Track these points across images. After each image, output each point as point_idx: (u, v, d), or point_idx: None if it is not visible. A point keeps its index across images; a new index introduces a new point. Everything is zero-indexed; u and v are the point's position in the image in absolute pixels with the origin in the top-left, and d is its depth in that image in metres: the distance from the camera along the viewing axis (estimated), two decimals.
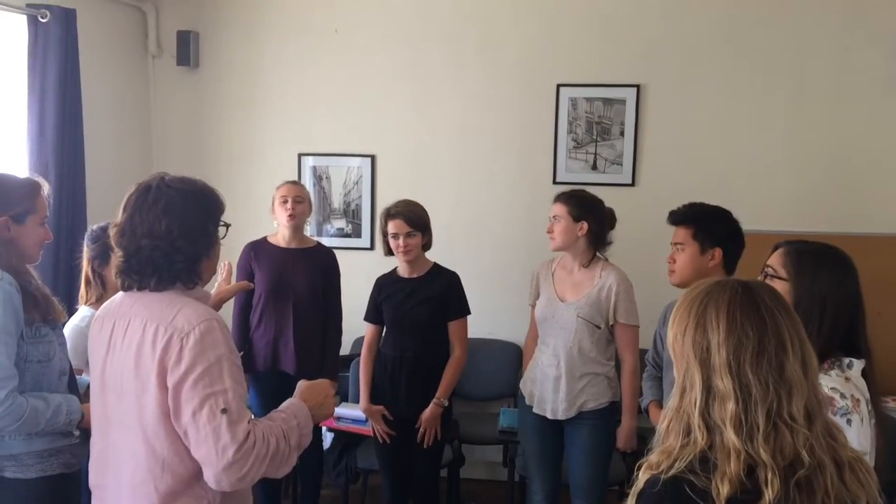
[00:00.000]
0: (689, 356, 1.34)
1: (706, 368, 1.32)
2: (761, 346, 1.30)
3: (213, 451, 1.68)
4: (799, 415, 1.29)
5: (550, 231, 3.19)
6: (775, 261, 1.96)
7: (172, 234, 1.78)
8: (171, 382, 1.71)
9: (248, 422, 1.73)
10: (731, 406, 1.28)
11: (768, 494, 1.24)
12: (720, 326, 1.32)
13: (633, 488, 1.37)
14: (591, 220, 3.16)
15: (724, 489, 1.24)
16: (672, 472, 1.28)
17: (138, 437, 1.77)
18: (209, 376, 1.70)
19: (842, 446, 1.35)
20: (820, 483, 1.27)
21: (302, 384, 2.00)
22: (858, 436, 1.68)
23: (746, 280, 1.42)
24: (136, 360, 1.76)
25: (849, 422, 1.68)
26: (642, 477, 1.35)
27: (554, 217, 3.18)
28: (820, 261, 1.91)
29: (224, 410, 1.69)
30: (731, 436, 1.27)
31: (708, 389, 1.31)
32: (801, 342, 1.33)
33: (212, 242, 1.87)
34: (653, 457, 1.35)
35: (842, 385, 1.77)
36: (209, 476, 1.71)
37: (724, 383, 1.30)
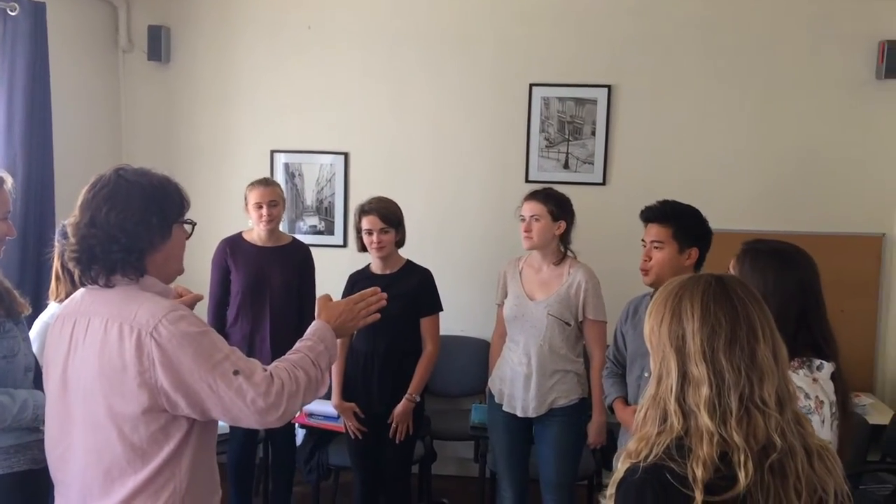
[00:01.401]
0: (666, 345, 1.39)
1: (681, 356, 1.37)
2: (734, 333, 1.36)
3: (245, 408, 1.72)
4: (770, 400, 1.34)
5: (528, 230, 3.20)
6: (731, 262, 2.04)
7: (110, 223, 1.73)
8: (167, 377, 1.68)
9: (264, 369, 1.77)
10: (705, 391, 1.33)
11: (742, 477, 1.28)
12: (695, 316, 1.38)
13: (613, 477, 1.40)
14: (567, 219, 3.20)
15: (699, 472, 1.28)
16: (651, 459, 1.32)
17: (111, 433, 1.74)
18: (204, 351, 1.71)
19: (809, 434, 1.40)
20: (791, 468, 1.32)
21: (321, 302, 2.06)
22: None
23: (719, 273, 1.48)
24: (100, 360, 1.73)
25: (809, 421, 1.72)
26: (622, 466, 1.38)
27: (532, 216, 3.19)
28: (760, 259, 1.96)
29: (236, 372, 1.72)
30: (704, 419, 1.32)
31: (683, 376, 1.36)
32: (771, 331, 1.39)
33: (157, 236, 1.79)
34: (631, 444, 1.39)
35: (808, 385, 1.82)
36: (250, 424, 1.77)
37: (698, 369, 1.35)
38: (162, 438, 1.75)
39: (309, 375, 1.82)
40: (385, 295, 2.11)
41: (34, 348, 2.40)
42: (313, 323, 1.99)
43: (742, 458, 1.29)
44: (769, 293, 1.88)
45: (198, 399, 1.71)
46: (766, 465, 1.30)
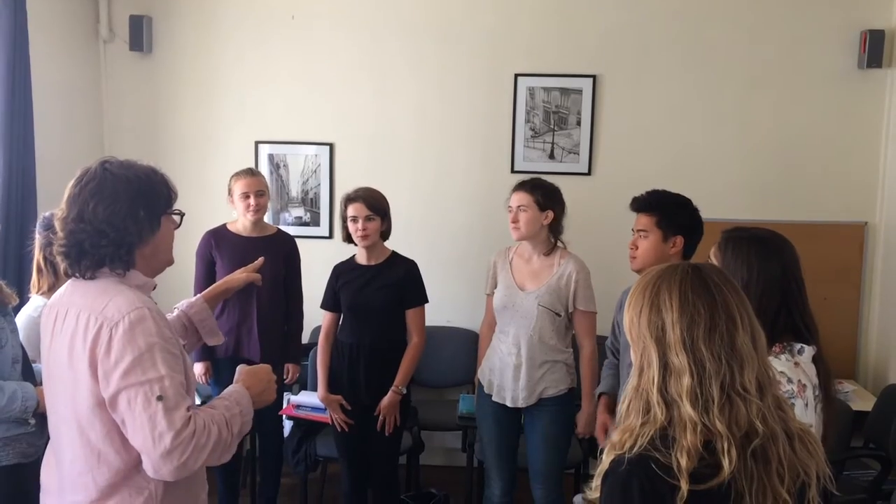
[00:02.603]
0: (646, 336, 1.39)
1: (662, 346, 1.37)
2: (713, 322, 1.36)
3: (150, 438, 1.65)
4: (751, 386, 1.35)
5: (516, 220, 3.20)
6: (712, 250, 2.05)
7: (98, 218, 1.73)
8: (102, 373, 1.68)
9: (188, 409, 1.70)
10: (686, 380, 1.34)
11: (726, 464, 1.29)
12: (673, 305, 1.38)
13: (598, 469, 1.40)
14: (556, 208, 3.21)
15: (683, 461, 1.28)
16: (636, 450, 1.33)
17: (73, 428, 1.75)
18: (141, 365, 1.67)
19: (791, 419, 1.41)
20: (774, 453, 1.33)
21: (242, 369, 1.98)
22: (801, 419, 1.74)
23: (696, 262, 1.48)
24: (70, 351, 1.73)
25: (792, 405, 1.74)
26: (607, 458, 1.38)
27: (519, 207, 3.19)
28: (741, 246, 1.98)
29: (160, 398, 1.66)
30: (687, 409, 1.32)
31: (664, 366, 1.36)
32: (749, 318, 1.40)
33: (146, 228, 1.80)
34: (615, 436, 1.39)
35: (790, 370, 1.83)
36: (147, 465, 1.68)
37: (679, 359, 1.35)
38: (119, 443, 1.72)
39: (221, 434, 1.74)
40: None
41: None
42: (232, 386, 1.91)
43: (725, 446, 1.30)
44: (753, 280, 1.90)
45: (116, 406, 1.68)
46: (748, 451, 1.31)
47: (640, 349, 1.41)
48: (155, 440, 1.64)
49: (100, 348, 1.68)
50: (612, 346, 3.07)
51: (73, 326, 1.74)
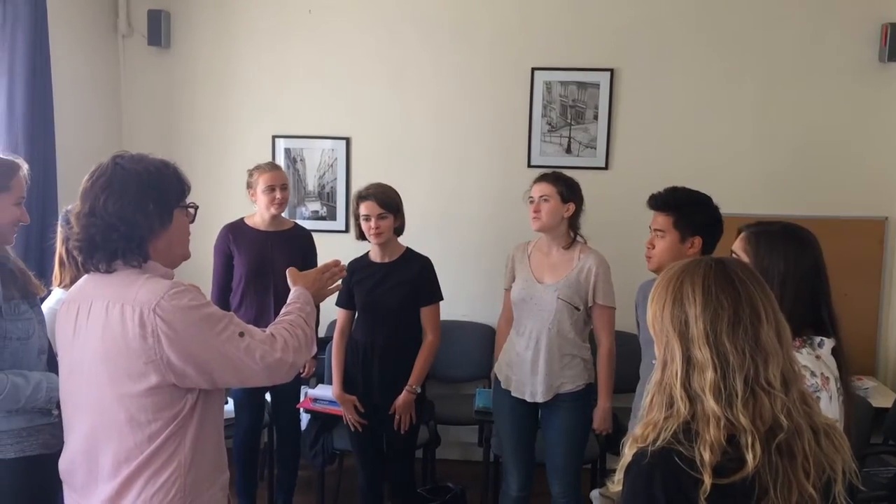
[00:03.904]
0: (669, 330, 1.39)
1: (685, 341, 1.37)
2: (737, 316, 1.35)
3: (254, 365, 1.79)
4: (776, 381, 1.34)
5: (537, 210, 3.18)
6: (737, 245, 2.03)
7: (108, 212, 1.75)
8: (175, 350, 1.72)
9: (263, 331, 1.86)
10: (709, 375, 1.33)
11: (750, 459, 1.28)
12: (696, 299, 1.37)
13: (620, 463, 1.40)
14: (577, 202, 3.20)
15: (706, 456, 1.28)
16: (659, 443, 1.32)
17: (119, 415, 1.76)
18: (207, 322, 1.75)
19: (816, 413, 1.40)
20: (799, 447, 1.33)
21: (293, 273, 2.17)
22: (827, 412, 1.73)
23: (719, 257, 1.48)
24: (104, 343, 1.75)
25: (817, 399, 1.73)
26: (629, 451, 1.38)
27: (542, 197, 3.18)
28: (776, 240, 1.96)
29: (241, 334, 1.79)
30: (710, 403, 1.32)
31: (688, 360, 1.36)
32: (774, 312, 1.39)
33: (156, 222, 1.81)
34: (637, 430, 1.39)
35: (812, 363, 1.83)
36: (263, 382, 1.85)
37: (702, 353, 1.34)
38: (167, 415, 1.77)
39: (306, 333, 1.95)
40: (345, 265, 2.33)
41: None
42: (294, 290, 2.10)
43: (749, 440, 1.29)
44: (790, 273, 1.89)
45: (207, 367, 1.76)
46: (773, 445, 1.31)
47: (664, 343, 1.40)
48: (259, 363, 1.80)
49: (152, 334, 1.71)
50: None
51: (104, 319, 1.76)
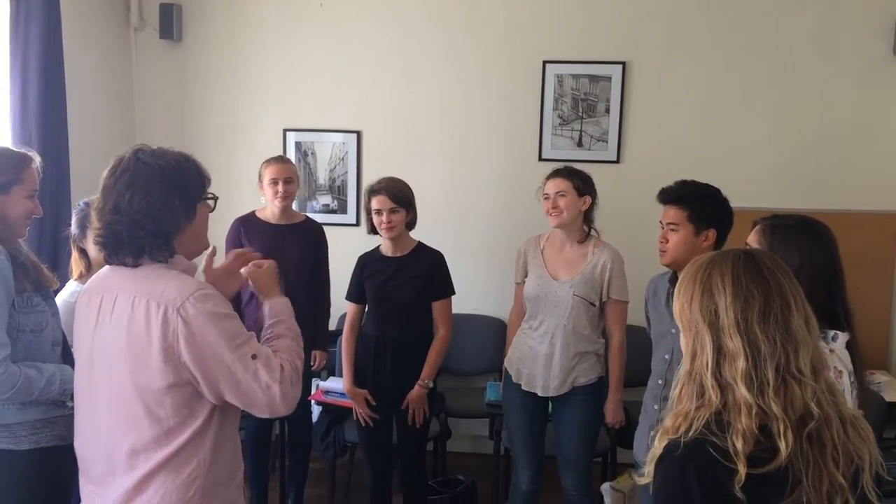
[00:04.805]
0: (698, 321, 1.40)
1: (715, 330, 1.37)
2: (767, 305, 1.36)
3: (260, 393, 1.76)
4: (806, 369, 1.35)
5: (556, 206, 3.16)
6: (752, 238, 2.03)
7: (134, 209, 1.74)
8: (189, 354, 1.71)
9: (273, 354, 1.83)
10: (741, 363, 1.34)
11: (783, 447, 1.29)
12: (726, 290, 1.38)
13: (650, 455, 1.40)
14: (592, 194, 3.20)
15: (739, 445, 1.29)
16: (692, 434, 1.33)
17: (138, 409, 1.76)
18: (227, 333, 1.74)
19: (842, 403, 1.41)
20: (828, 436, 1.33)
21: (254, 277, 2.05)
22: None
23: (746, 248, 1.49)
24: (128, 336, 1.75)
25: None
26: (660, 443, 1.38)
27: (558, 193, 3.16)
28: (791, 233, 1.96)
29: (254, 356, 1.76)
30: (742, 392, 1.32)
31: (718, 350, 1.37)
32: (802, 301, 1.40)
33: (182, 218, 1.81)
34: (667, 422, 1.39)
35: (826, 357, 1.82)
36: (260, 412, 1.80)
37: (733, 342, 1.35)
38: (187, 414, 1.77)
39: (300, 355, 1.91)
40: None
41: None
42: (269, 304, 2.00)
43: (781, 429, 1.30)
44: (805, 266, 1.88)
45: (214, 380, 1.74)
46: (804, 434, 1.31)
47: (693, 334, 1.41)
48: (265, 393, 1.77)
49: (173, 333, 1.71)
50: None
51: (130, 312, 1.75)
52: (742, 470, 1.27)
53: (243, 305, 3.72)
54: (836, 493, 1.32)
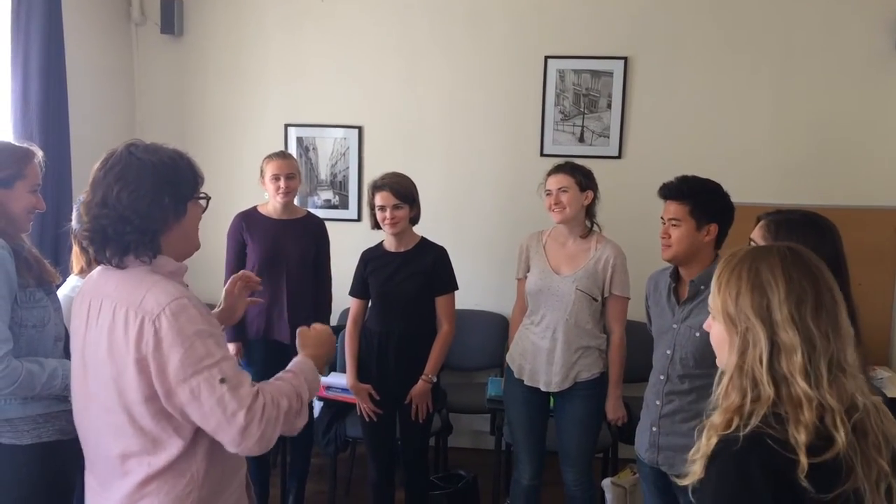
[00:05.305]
0: (749, 316, 1.41)
1: (769, 325, 1.39)
2: (818, 299, 1.39)
3: (224, 420, 1.66)
4: (853, 361, 1.39)
5: (559, 202, 3.16)
6: (756, 233, 2.03)
7: (122, 204, 1.69)
8: (156, 369, 1.65)
9: (252, 384, 1.72)
10: (797, 358, 1.36)
11: (840, 438, 1.32)
12: (779, 285, 1.40)
13: (700, 453, 1.40)
14: (594, 189, 3.20)
15: (801, 437, 1.31)
16: (750, 427, 1.34)
17: (122, 417, 1.73)
18: (195, 354, 1.65)
19: (868, 393, 1.43)
20: (869, 425, 1.37)
21: (302, 334, 2.03)
22: None
23: (787, 244, 1.51)
24: (109, 343, 1.71)
25: None
26: (710, 440, 1.39)
27: (560, 188, 3.16)
28: (795, 228, 1.96)
29: (222, 380, 1.66)
30: (802, 385, 1.35)
31: (773, 344, 1.38)
32: (842, 295, 1.43)
33: (170, 215, 1.75)
34: (716, 418, 1.40)
35: None
36: (227, 443, 1.69)
37: (789, 337, 1.37)
38: (171, 430, 1.72)
39: (290, 404, 1.77)
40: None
41: None
42: (296, 358, 1.96)
43: (837, 420, 1.33)
44: None
45: (177, 401, 1.67)
46: (851, 424, 1.34)
47: (742, 330, 1.42)
48: (229, 420, 1.65)
49: (146, 345, 1.66)
50: None
51: (111, 320, 1.72)
52: (804, 460, 1.30)
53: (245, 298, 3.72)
54: (882, 479, 1.35)
